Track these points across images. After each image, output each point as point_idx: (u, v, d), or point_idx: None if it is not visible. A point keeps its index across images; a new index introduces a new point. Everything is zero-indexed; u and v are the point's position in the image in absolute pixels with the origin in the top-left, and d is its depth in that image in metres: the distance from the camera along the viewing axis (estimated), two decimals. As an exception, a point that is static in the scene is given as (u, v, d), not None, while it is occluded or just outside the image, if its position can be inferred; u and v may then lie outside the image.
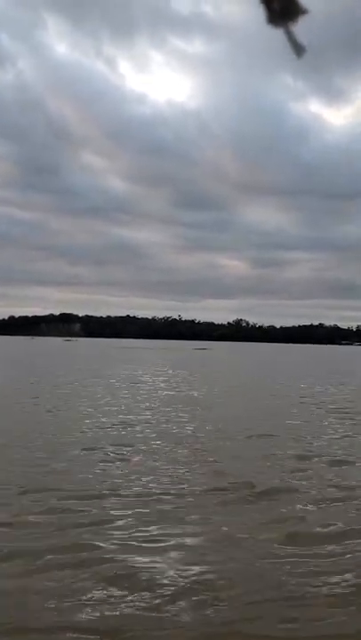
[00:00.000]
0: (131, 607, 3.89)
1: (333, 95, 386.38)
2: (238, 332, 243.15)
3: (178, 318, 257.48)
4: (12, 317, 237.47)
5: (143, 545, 4.99)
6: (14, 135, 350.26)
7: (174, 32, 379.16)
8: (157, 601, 3.98)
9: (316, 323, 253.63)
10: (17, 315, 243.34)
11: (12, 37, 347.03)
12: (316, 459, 8.92)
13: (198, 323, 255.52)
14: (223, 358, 60.55)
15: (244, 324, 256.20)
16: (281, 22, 0.99)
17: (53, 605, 3.89)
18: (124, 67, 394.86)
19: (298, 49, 1.02)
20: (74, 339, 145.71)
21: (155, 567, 4.51)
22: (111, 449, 9.12)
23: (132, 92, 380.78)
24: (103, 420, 12.35)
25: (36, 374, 24.69)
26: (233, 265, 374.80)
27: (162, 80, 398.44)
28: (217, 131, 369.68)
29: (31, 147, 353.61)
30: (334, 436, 11.10)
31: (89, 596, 4.07)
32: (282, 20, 0.99)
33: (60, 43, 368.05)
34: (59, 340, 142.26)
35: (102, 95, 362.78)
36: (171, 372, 31.14)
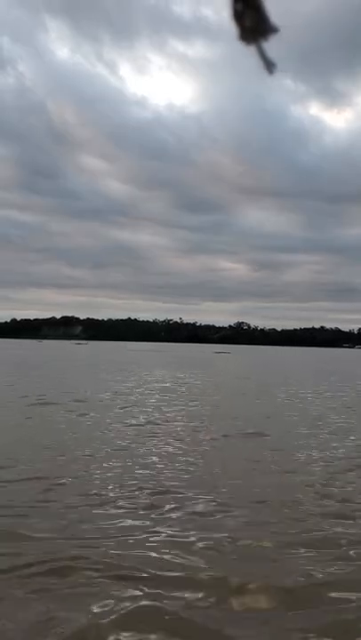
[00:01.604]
0: None
1: (334, 98, 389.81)
2: (240, 334, 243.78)
3: (179, 321, 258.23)
4: (13, 320, 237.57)
5: None
6: (15, 138, 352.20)
7: (175, 35, 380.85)
8: None
9: (317, 325, 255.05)
10: (18, 317, 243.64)
11: (14, 41, 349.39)
12: None
13: (199, 325, 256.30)
14: (263, 364, 55.28)
15: (245, 327, 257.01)
16: (252, 39, 1.00)
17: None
18: (125, 70, 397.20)
19: (269, 66, 1.02)
20: (84, 342, 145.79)
21: None
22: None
23: (132, 96, 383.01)
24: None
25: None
26: (233, 267, 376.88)
27: (162, 83, 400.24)
28: (217, 133, 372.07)
29: (32, 149, 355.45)
30: None
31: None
32: (253, 37, 1.00)
33: (62, 46, 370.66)
34: (68, 342, 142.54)
35: (103, 98, 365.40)
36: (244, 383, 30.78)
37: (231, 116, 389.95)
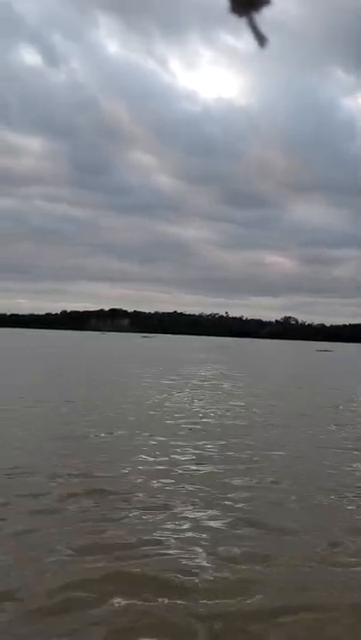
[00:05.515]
0: None
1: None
2: (287, 329, 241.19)
3: (225, 315, 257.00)
4: (64, 312, 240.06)
5: None
6: (67, 134, 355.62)
7: (224, 29, 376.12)
8: None
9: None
10: (68, 309, 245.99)
11: (66, 38, 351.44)
12: None
13: (246, 320, 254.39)
14: None
15: (293, 322, 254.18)
16: (244, 12, 0.97)
17: None
18: (175, 65, 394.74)
19: (261, 39, 0.99)
20: (151, 335, 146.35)
21: None
22: None
23: (182, 90, 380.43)
24: None
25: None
26: (280, 262, 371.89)
27: (211, 77, 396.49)
28: (265, 127, 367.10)
29: (83, 145, 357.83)
30: None
31: None
32: (245, 9, 0.97)
33: (112, 42, 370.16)
34: (136, 335, 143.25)
35: (153, 93, 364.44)
36: None
37: (280, 108, 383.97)
